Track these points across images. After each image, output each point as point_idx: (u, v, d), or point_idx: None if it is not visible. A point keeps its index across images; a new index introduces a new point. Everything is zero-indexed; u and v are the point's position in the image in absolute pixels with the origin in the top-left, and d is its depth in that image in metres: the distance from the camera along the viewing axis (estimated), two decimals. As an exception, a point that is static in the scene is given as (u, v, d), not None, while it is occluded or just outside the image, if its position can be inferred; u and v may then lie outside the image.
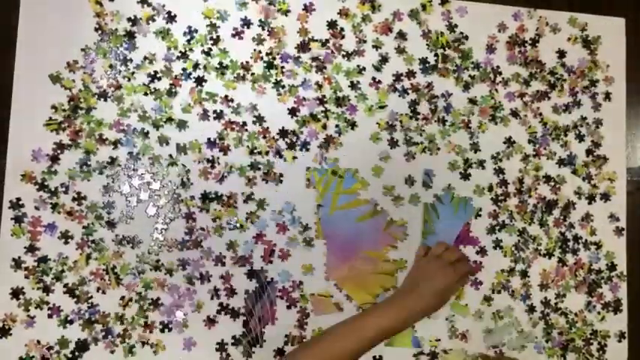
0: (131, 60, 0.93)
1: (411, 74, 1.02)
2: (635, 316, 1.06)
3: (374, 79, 1.00)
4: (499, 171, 1.03)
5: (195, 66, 0.95)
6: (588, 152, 1.07)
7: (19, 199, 0.89)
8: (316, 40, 0.99)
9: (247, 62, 0.97)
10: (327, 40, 1.00)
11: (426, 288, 0.78)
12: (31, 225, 0.89)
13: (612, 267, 1.06)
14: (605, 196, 1.07)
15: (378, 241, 0.99)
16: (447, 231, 1.01)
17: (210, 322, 0.92)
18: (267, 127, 0.97)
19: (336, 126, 0.98)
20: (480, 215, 1.02)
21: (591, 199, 1.06)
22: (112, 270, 0.90)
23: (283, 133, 0.97)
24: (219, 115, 0.95)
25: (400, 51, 1.02)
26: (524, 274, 1.02)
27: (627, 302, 1.06)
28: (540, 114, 1.06)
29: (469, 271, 0.84)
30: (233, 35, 0.97)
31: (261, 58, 0.97)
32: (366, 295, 0.97)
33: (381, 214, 0.99)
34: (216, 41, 0.96)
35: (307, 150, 0.97)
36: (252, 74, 0.97)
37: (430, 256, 0.84)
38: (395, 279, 0.98)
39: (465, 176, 1.02)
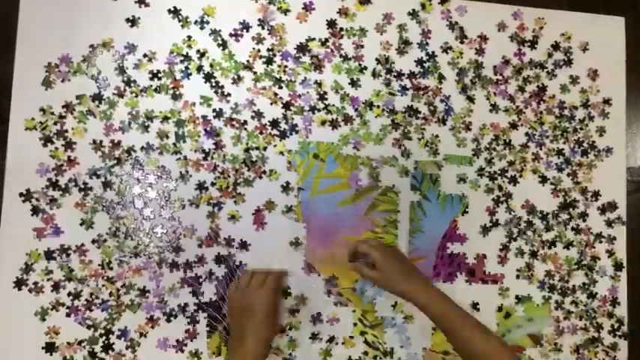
0: (127, 65, 0.94)
1: (412, 75, 1.02)
2: (636, 316, 1.06)
3: (373, 75, 1.01)
4: (499, 173, 1.04)
5: (200, 68, 0.95)
6: (588, 152, 1.07)
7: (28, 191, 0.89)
8: (315, 39, 0.99)
9: (248, 61, 0.97)
10: (326, 40, 1.00)
11: (250, 323, 0.79)
12: (44, 221, 0.89)
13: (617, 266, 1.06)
14: (605, 196, 1.07)
15: (359, 227, 0.98)
16: (434, 229, 1.01)
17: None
18: (265, 124, 0.97)
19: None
20: (467, 212, 1.02)
21: (591, 198, 1.06)
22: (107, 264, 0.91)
23: (274, 123, 0.97)
24: (218, 114, 0.95)
25: (400, 52, 1.02)
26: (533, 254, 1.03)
27: (627, 302, 1.06)
28: (540, 113, 1.06)
29: (279, 277, 0.86)
30: (231, 35, 0.97)
31: (260, 57, 0.97)
32: (344, 280, 0.97)
33: (364, 199, 0.98)
34: (224, 45, 0.96)
35: (297, 132, 0.97)
36: (255, 73, 0.97)
37: (240, 288, 0.84)
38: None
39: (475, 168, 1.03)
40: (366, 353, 0.97)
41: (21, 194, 0.89)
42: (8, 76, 0.90)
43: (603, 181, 1.07)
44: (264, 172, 0.96)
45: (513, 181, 1.04)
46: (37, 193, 0.89)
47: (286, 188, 0.96)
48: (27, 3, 0.91)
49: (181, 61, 0.95)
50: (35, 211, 0.89)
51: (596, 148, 1.07)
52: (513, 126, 1.04)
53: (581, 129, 1.07)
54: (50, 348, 0.88)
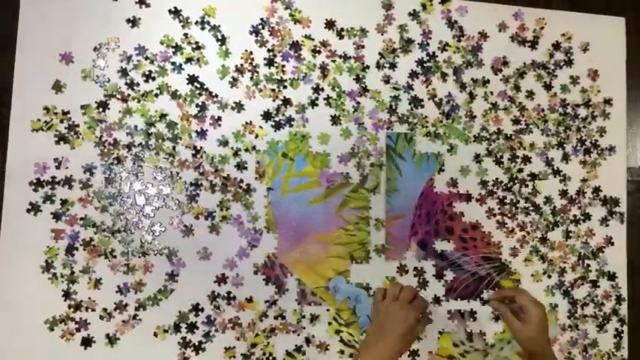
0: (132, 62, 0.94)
1: (414, 75, 1.02)
2: (636, 316, 1.06)
3: (378, 67, 1.01)
4: (499, 168, 1.04)
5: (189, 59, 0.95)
6: (588, 151, 1.07)
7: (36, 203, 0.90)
8: (314, 39, 0.99)
9: (250, 63, 0.97)
10: (325, 41, 1.00)
11: (391, 333, 0.81)
12: (68, 223, 0.90)
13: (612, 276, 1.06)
14: (605, 196, 1.07)
15: (330, 225, 0.97)
16: (411, 188, 1.00)
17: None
18: (251, 122, 0.96)
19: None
20: (442, 170, 1.01)
21: (591, 196, 1.07)
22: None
23: (267, 115, 0.97)
24: (202, 107, 0.95)
25: (404, 50, 1.02)
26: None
27: (627, 302, 1.06)
28: (543, 111, 1.06)
29: (426, 305, 0.89)
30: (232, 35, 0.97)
31: (253, 62, 0.97)
32: (317, 279, 0.96)
33: (335, 196, 0.98)
34: (223, 41, 0.96)
35: (291, 125, 0.97)
36: (256, 73, 0.97)
37: (387, 299, 0.86)
38: (347, 263, 0.97)
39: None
40: (342, 352, 0.96)
41: (28, 210, 0.89)
42: (8, 76, 0.90)
43: (603, 181, 1.07)
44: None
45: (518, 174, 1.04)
46: (47, 194, 0.89)
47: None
48: (27, 3, 0.91)
49: (174, 53, 0.94)
50: (56, 216, 0.89)
51: (599, 147, 1.07)
52: (516, 122, 1.05)
53: (584, 127, 1.07)
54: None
